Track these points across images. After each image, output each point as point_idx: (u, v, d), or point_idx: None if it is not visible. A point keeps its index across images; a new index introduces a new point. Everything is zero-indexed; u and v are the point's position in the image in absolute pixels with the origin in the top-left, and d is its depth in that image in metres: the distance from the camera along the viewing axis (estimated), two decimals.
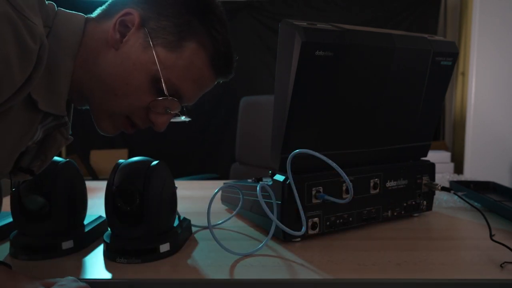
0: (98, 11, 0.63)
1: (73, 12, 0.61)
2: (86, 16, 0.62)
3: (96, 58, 0.60)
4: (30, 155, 0.62)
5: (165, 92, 0.60)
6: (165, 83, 0.59)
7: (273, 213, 0.68)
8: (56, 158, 0.69)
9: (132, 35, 0.59)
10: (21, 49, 0.46)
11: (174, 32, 0.60)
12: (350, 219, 0.77)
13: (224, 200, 0.99)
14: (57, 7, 0.60)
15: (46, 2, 0.58)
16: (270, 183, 0.72)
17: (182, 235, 0.72)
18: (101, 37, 0.60)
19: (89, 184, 0.84)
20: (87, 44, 0.60)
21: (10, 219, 0.77)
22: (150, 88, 0.60)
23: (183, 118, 0.68)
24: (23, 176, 0.62)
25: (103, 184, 0.69)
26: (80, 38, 0.59)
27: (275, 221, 0.65)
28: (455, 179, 1.17)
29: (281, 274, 0.59)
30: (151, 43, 0.59)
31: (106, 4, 0.63)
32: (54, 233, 0.68)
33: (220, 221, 0.84)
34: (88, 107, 0.64)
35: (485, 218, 0.69)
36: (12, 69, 0.46)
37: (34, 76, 0.49)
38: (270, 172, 0.75)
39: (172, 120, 0.68)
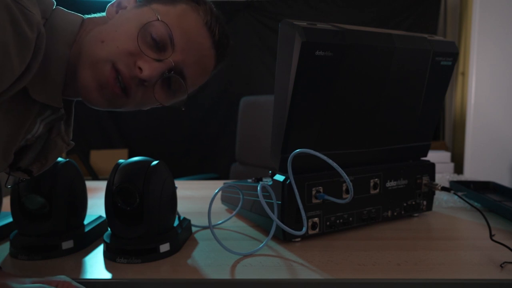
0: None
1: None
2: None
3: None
4: (33, 154, 0.62)
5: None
6: (155, 26, 0.58)
7: (273, 213, 0.68)
8: None
9: (127, 5, 0.63)
10: (19, 37, 0.45)
11: None
12: (350, 219, 0.77)
13: (224, 200, 0.98)
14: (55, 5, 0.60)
15: None
16: (270, 183, 0.72)
17: (182, 235, 0.72)
18: (99, 22, 0.61)
19: (89, 184, 0.84)
20: (82, 35, 0.59)
21: (10, 219, 0.77)
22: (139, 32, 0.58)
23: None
24: (21, 174, 0.62)
25: (103, 184, 0.70)
26: (77, 29, 0.59)
27: (276, 221, 0.65)
28: (455, 179, 1.17)
29: (281, 274, 0.59)
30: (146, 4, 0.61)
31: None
32: (54, 233, 0.68)
33: (220, 221, 0.84)
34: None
35: (485, 218, 0.69)
36: (11, 58, 0.45)
37: (33, 65, 0.49)
38: (270, 172, 0.75)
39: (170, 103, 0.65)
